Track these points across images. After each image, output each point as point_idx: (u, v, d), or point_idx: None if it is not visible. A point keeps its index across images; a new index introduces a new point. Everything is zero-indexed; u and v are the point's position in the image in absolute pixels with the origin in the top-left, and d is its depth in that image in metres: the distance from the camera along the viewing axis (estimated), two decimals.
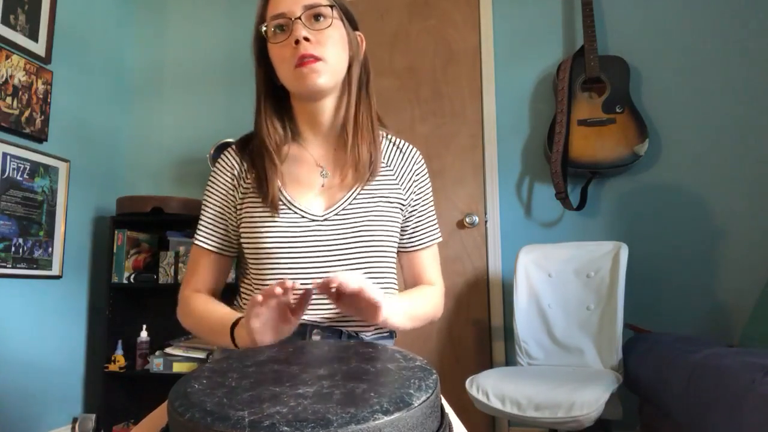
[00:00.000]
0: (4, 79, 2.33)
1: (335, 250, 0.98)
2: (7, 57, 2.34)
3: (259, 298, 0.78)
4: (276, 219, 0.98)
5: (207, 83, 3.06)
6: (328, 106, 1.04)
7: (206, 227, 1.07)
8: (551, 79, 2.64)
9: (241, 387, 0.60)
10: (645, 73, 2.54)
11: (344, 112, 1.04)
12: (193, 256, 1.08)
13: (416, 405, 0.55)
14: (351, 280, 0.81)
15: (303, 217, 0.99)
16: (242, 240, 1.03)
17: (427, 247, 1.12)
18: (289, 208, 0.99)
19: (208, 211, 1.07)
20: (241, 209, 1.04)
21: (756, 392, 1.18)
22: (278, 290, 0.78)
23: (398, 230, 1.07)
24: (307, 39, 0.95)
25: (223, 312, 0.97)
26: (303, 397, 0.55)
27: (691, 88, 2.50)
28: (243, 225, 1.02)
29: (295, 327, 0.87)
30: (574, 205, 2.48)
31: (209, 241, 1.06)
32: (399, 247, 1.11)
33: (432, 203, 1.15)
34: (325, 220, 0.99)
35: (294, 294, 0.84)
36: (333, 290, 0.84)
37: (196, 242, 1.07)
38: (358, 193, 1.02)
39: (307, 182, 1.03)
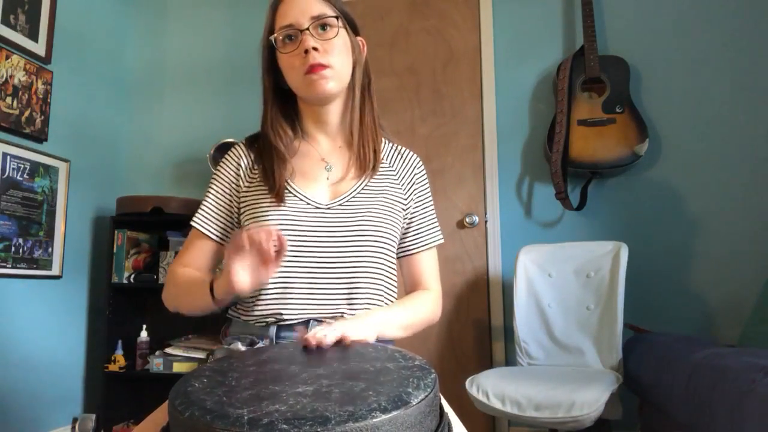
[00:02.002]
0: (4, 79, 2.33)
1: (338, 239, 1.00)
2: (7, 57, 2.35)
3: (245, 239, 0.81)
4: (281, 205, 1.01)
5: (207, 83, 3.06)
6: (334, 109, 1.09)
7: (206, 212, 1.09)
8: (551, 79, 2.64)
9: (240, 386, 0.61)
10: (645, 73, 2.54)
11: (349, 113, 1.09)
12: (189, 237, 1.10)
13: (414, 403, 0.55)
14: (328, 336, 0.79)
15: (308, 204, 1.02)
16: (245, 227, 1.05)
17: (427, 249, 1.14)
18: (295, 195, 1.03)
19: (210, 197, 1.10)
20: (245, 197, 1.06)
21: (756, 392, 1.18)
22: (262, 236, 0.80)
23: (399, 228, 1.09)
24: (315, 49, 1.00)
25: (203, 276, 1.02)
26: (302, 396, 0.56)
27: (691, 88, 2.50)
28: (246, 212, 1.05)
29: (272, 274, 0.87)
30: (574, 205, 2.48)
31: (206, 225, 1.09)
32: (399, 250, 1.13)
33: (432, 206, 1.17)
34: (329, 209, 1.02)
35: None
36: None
37: (194, 223, 1.09)
38: (363, 188, 1.06)
39: (313, 175, 1.07)
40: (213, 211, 1.09)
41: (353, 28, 1.09)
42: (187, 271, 1.05)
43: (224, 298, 0.92)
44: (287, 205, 1.01)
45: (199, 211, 1.10)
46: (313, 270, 0.99)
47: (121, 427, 2.61)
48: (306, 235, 0.99)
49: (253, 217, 1.03)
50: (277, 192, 1.02)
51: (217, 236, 1.09)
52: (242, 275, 0.85)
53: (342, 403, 0.53)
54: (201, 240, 1.09)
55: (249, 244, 0.81)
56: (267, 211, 1.01)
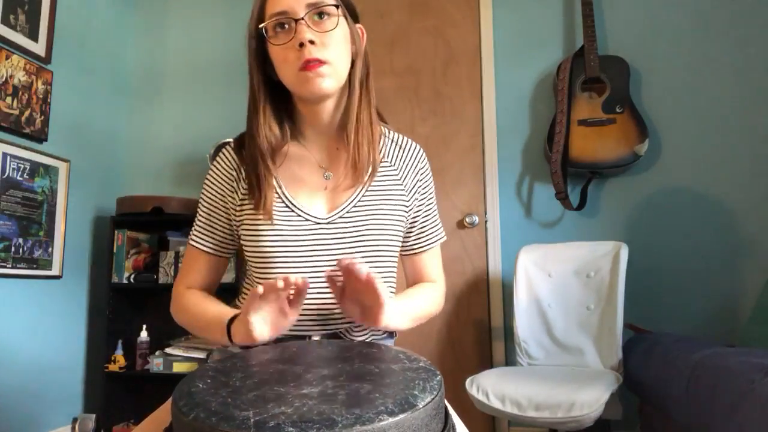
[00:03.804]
0: (4, 79, 2.32)
1: (339, 253, 0.96)
2: (7, 57, 2.34)
3: (260, 290, 0.78)
4: (278, 222, 0.96)
5: (207, 83, 3.06)
6: (330, 106, 1.01)
7: (201, 227, 1.05)
8: (551, 79, 2.64)
9: (245, 387, 0.60)
10: (645, 73, 2.54)
11: (345, 109, 1.01)
12: (188, 255, 1.07)
13: (421, 406, 0.55)
14: (364, 267, 0.82)
15: (307, 220, 0.97)
16: (243, 242, 1.01)
17: (431, 248, 1.12)
18: (292, 210, 0.97)
19: (204, 211, 1.06)
20: (241, 212, 1.01)
21: (756, 393, 1.18)
22: (280, 284, 0.78)
23: (402, 232, 1.05)
24: (312, 42, 0.91)
25: (218, 309, 0.96)
26: (308, 398, 0.56)
27: (691, 88, 2.50)
28: (244, 227, 1.00)
29: (293, 323, 0.87)
30: (574, 205, 2.49)
31: (204, 242, 1.05)
32: (403, 250, 1.10)
33: (435, 203, 1.13)
34: (329, 223, 0.97)
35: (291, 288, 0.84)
36: (340, 282, 0.85)
37: (191, 242, 1.06)
38: (363, 195, 1.00)
39: (310, 183, 1.01)
40: (208, 226, 1.05)
41: (353, 15, 1.00)
42: (196, 299, 1.02)
43: (243, 344, 0.88)
44: (284, 221, 0.96)
45: (194, 227, 1.06)
46: (314, 287, 0.95)
47: (121, 427, 2.61)
48: (305, 252, 0.95)
49: (251, 235, 0.98)
50: (265, 210, 0.95)
51: (216, 251, 1.06)
52: (261, 326, 0.83)
53: (348, 405, 0.53)
54: (200, 257, 1.05)
55: (266, 293, 0.79)
56: (263, 228, 0.96)
